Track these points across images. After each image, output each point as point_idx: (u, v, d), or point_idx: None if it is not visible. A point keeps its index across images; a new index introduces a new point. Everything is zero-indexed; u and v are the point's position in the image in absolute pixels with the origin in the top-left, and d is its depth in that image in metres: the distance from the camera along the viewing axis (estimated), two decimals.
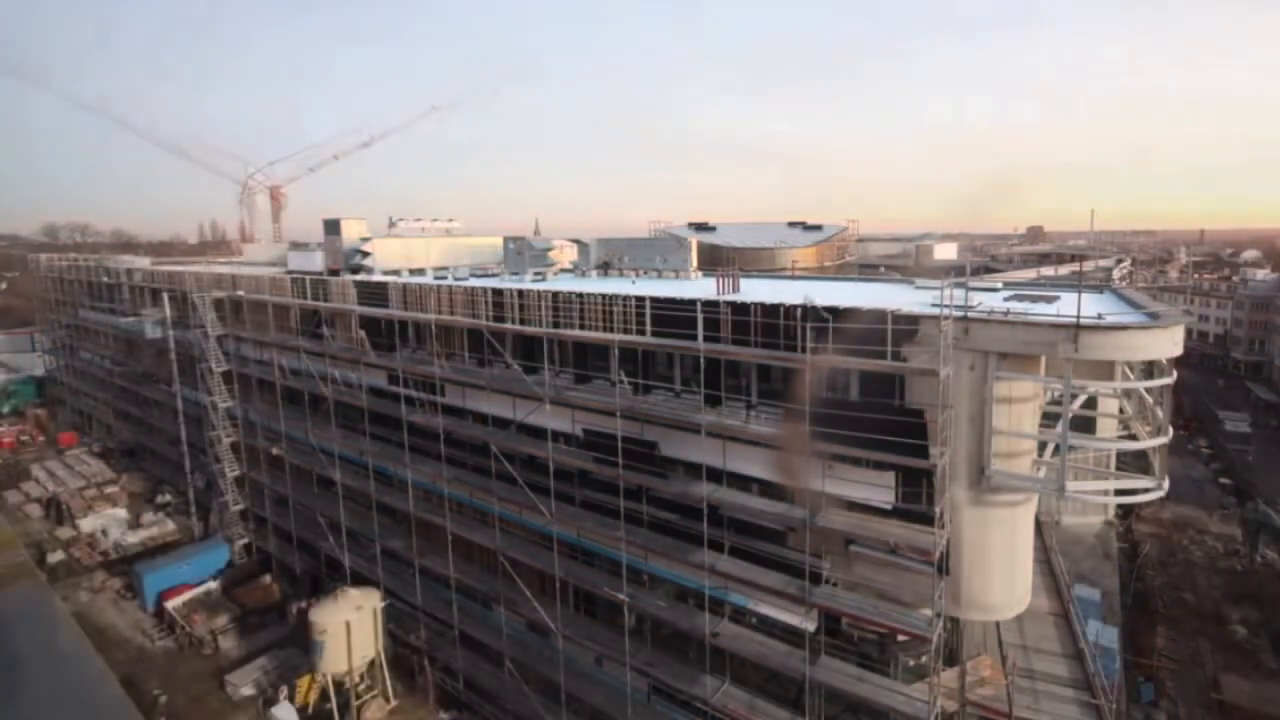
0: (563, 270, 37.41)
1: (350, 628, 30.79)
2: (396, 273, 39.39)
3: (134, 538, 48.98)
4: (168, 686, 33.92)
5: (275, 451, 40.47)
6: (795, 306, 19.77)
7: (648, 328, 23.01)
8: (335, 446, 35.94)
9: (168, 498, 54.84)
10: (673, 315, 22.26)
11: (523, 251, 35.88)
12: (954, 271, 30.79)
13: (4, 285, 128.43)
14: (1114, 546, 37.16)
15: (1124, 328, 17.65)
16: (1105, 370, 20.03)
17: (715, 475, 22.84)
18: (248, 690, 33.25)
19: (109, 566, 46.06)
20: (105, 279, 60.32)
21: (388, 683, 32.74)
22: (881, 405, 19.26)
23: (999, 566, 20.17)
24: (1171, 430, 19.96)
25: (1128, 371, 21.68)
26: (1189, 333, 20.79)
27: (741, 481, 22.73)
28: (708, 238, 54.88)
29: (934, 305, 19.28)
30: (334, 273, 39.43)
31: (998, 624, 24.27)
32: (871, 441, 18.50)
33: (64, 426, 72.94)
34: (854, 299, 22.34)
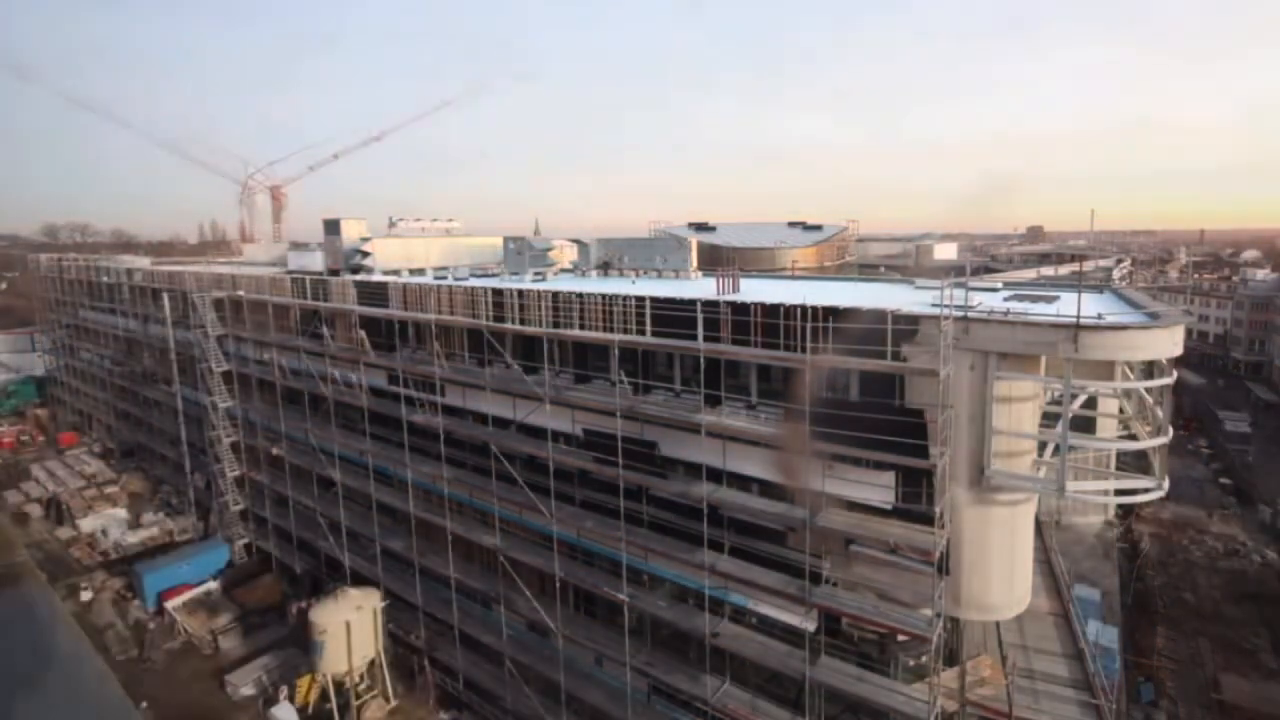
0: (563, 270, 37.41)
1: (350, 628, 30.80)
2: (396, 273, 39.40)
3: (134, 538, 48.96)
4: (168, 687, 33.99)
5: (275, 451, 40.48)
6: (795, 306, 19.76)
7: (648, 328, 23.01)
8: (335, 446, 35.96)
9: (170, 501, 54.88)
10: (673, 315, 22.27)
11: (523, 251, 35.88)
12: (954, 271, 30.79)
13: (4, 285, 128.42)
14: (1114, 546, 37.21)
15: (1124, 328, 17.65)
16: (1105, 370, 20.01)
17: (715, 475, 22.83)
18: (248, 690, 33.26)
19: (109, 566, 46.08)
20: (105, 279, 60.34)
21: (388, 683, 32.75)
22: (881, 405, 19.25)
23: (999, 566, 20.17)
24: (1171, 430, 19.97)
25: (1128, 371, 21.68)
26: (1189, 333, 20.78)
27: (741, 481, 22.72)
28: (708, 238, 54.89)
29: (934, 305, 19.28)
30: (334, 273, 39.43)
31: (998, 624, 24.25)
32: (871, 441, 18.50)
33: (64, 426, 72.98)
34: (854, 299, 22.35)
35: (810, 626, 20.86)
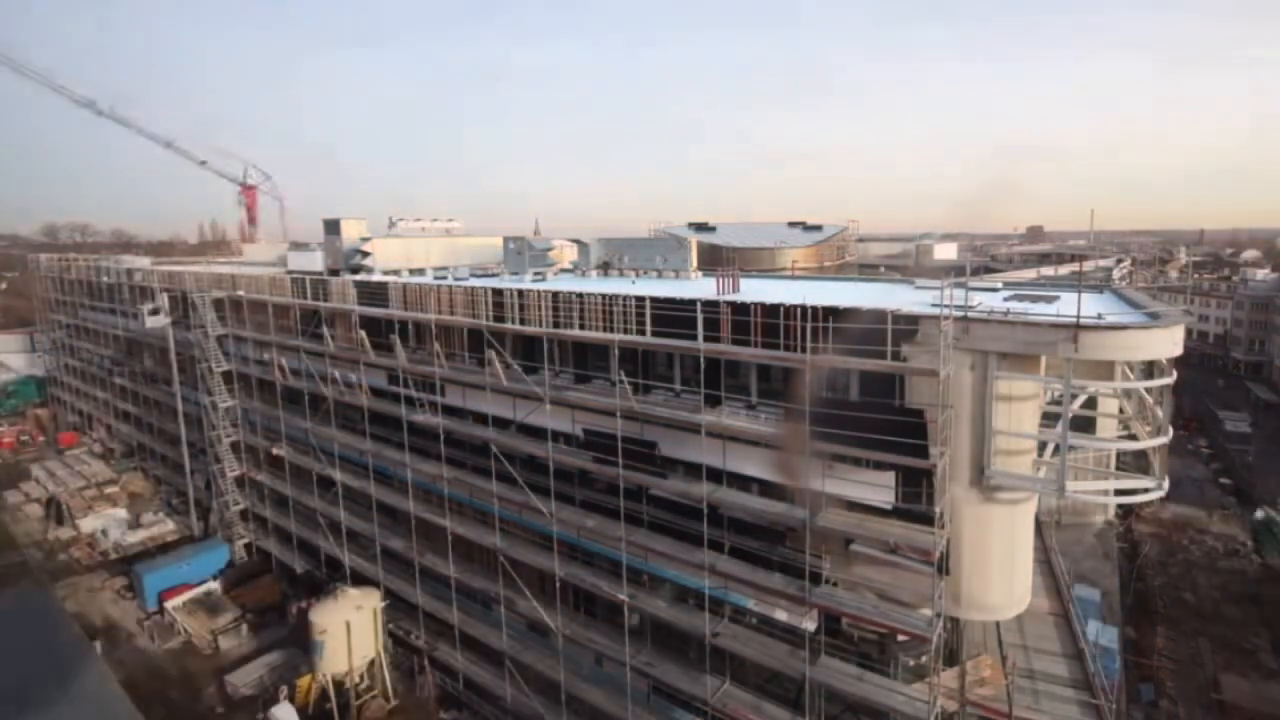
0: (563, 270, 37.41)
1: (350, 628, 30.81)
2: (396, 273, 39.40)
3: (134, 538, 49.01)
4: (168, 687, 33.99)
5: (275, 451, 40.49)
6: (795, 306, 19.76)
7: (648, 328, 23.01)
8: (335, 446, 35.97)
9: (171, 501, 54.88)
10: (673, 315, 22.27)
11: (523, 251, 35.88)
12: (954, 271, 30.80)
13: (4, 285, 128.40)
14: (1114, 546, 37.23)
15: (1124, 328, 17.66)
16: (1105, 370, 20.02)
17: (715, 475, 22.82)
18: (248, 690, 33.26)
19: (109, 566, 46.09)
20: (105, 279, 60.34)
21: (388, 683, 32.75)
22: (881, 405, 19.24)
23: (999, 566, 20.17)
24: (1171, 430, 19.98)
25: (1128, 371, 21.68)
26: (1189, 333, 20.78)
27: (741, 481, 22.72)
28: (708, 238, 54.91)
29: (934, 305, 19.28)
30: (334, 273, 39.44)
31: (998, 624, 24.27)
32: (871, 441, 18.49)
33: (64, 426, 73.02)
34: (854, 299, 22.35)
35: (810, 626, 20.86)
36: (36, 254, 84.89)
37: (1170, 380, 19.52)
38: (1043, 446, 20.12)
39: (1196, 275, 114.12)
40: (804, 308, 19.43)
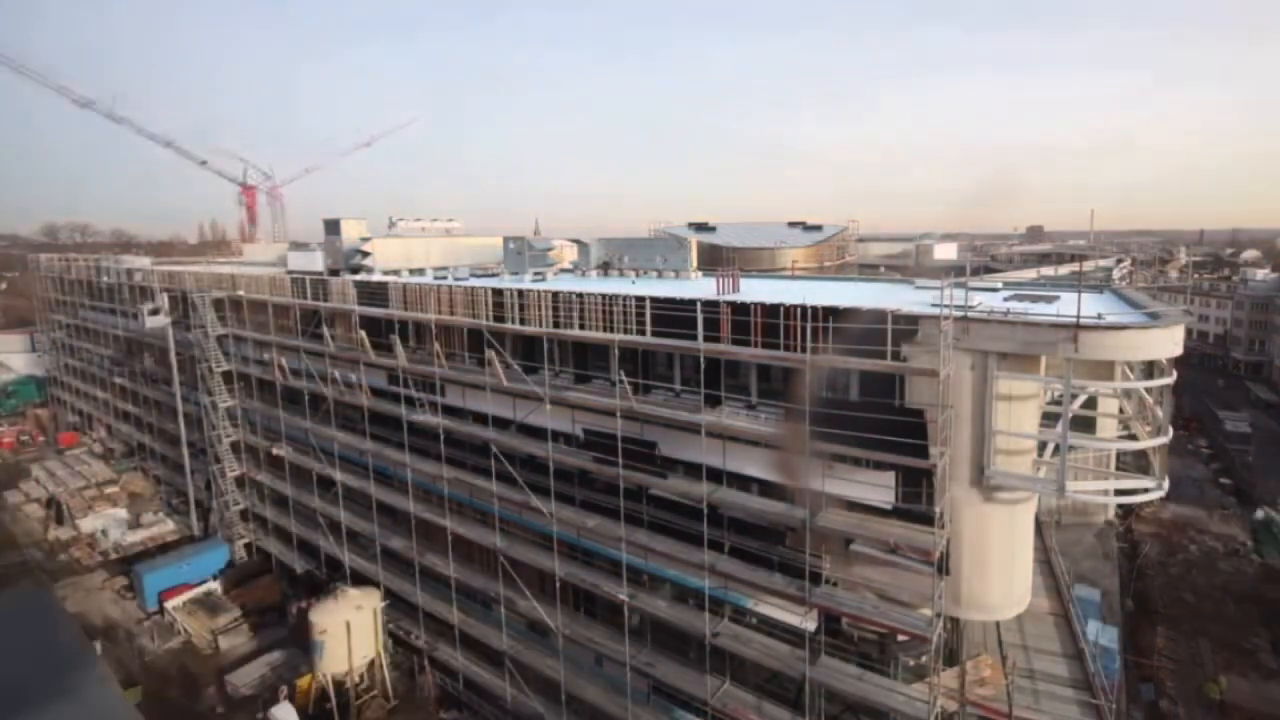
0: (563, 270, 37.41)
1: (350, 628, 30.81)
2: (396, 273, 39.40)
3: (134, 538, 49.03)
4: (168, 687, 33.98)
5: (275, 451, 40.49)
6: (795, 306, 19.76)
7: (648, 328, 23.02)
8: (335, 446, 35.97)
9: (171, 501, 54.88)
10: (673, 315, 22.27)
11: (523, 251, 35.87)
12: (954, 271, 30.80)
13: (4, 285, 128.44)
14: (1114, 546, 37.22)
15: (1124, 328, 17.67)
16: (1105, 370, 20.01)
17: (715, 475, 22.83)
18: (248, 690, 33.26)
19: (109, 566, 46.10)
20: (105, 279, 60.35)
21: (388, 683, 32.75)
22: (881, 405, 19.24)
23: (999, 566, 20.18)
24: (1171, 430, 19.98)
25: (1128, 371, 21.68)
26: (1189, 333, 20.78)
27: (741, 481, 22.72)
28: (708, 238, 54.88)
29: (934, 305, 19.27)
30: (334, 273, 39.45)
31: (998, 624, 24.27)
32: (871, 441, 18.49)
33: (64, 426, 73.01)
34: (854, 299, 22.35)
35: (810, 626, 20.87)
36: (36, 254, 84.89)
37: (1170, 380, 19.52)
38: (1043, 446, 20.13)
39: (1196, 275, 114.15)
40: (804, 308, 19.43)
